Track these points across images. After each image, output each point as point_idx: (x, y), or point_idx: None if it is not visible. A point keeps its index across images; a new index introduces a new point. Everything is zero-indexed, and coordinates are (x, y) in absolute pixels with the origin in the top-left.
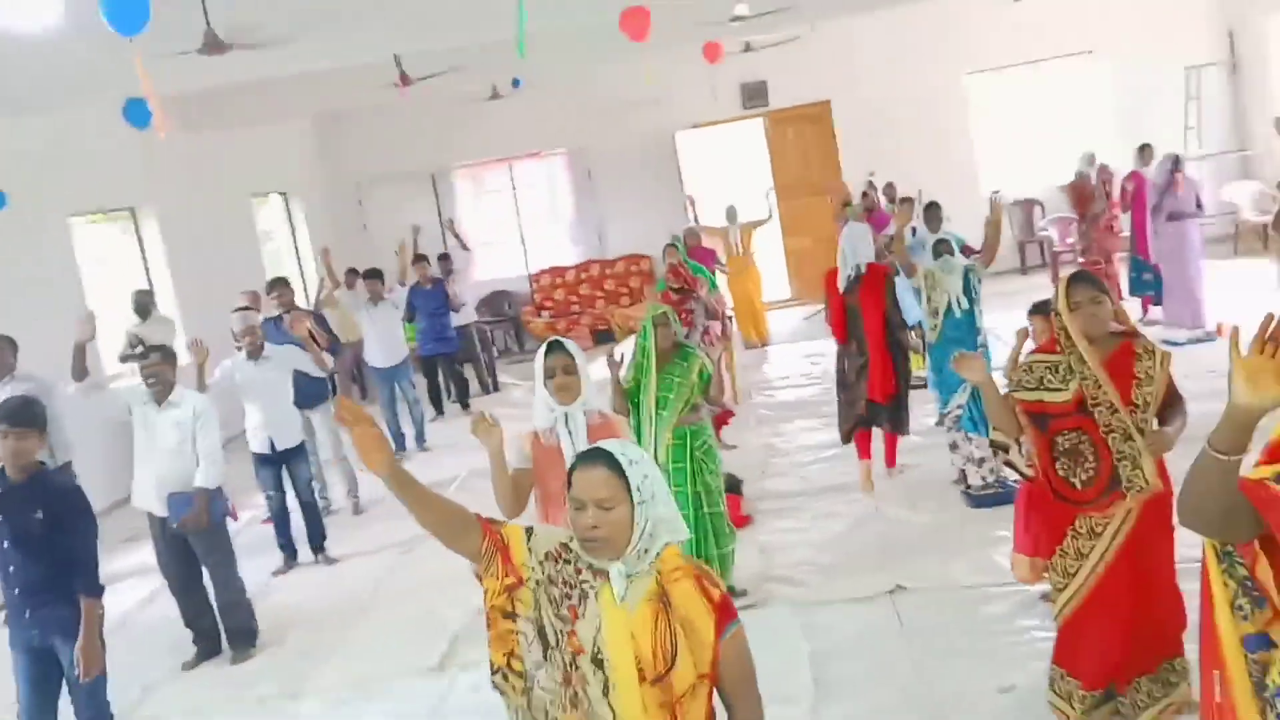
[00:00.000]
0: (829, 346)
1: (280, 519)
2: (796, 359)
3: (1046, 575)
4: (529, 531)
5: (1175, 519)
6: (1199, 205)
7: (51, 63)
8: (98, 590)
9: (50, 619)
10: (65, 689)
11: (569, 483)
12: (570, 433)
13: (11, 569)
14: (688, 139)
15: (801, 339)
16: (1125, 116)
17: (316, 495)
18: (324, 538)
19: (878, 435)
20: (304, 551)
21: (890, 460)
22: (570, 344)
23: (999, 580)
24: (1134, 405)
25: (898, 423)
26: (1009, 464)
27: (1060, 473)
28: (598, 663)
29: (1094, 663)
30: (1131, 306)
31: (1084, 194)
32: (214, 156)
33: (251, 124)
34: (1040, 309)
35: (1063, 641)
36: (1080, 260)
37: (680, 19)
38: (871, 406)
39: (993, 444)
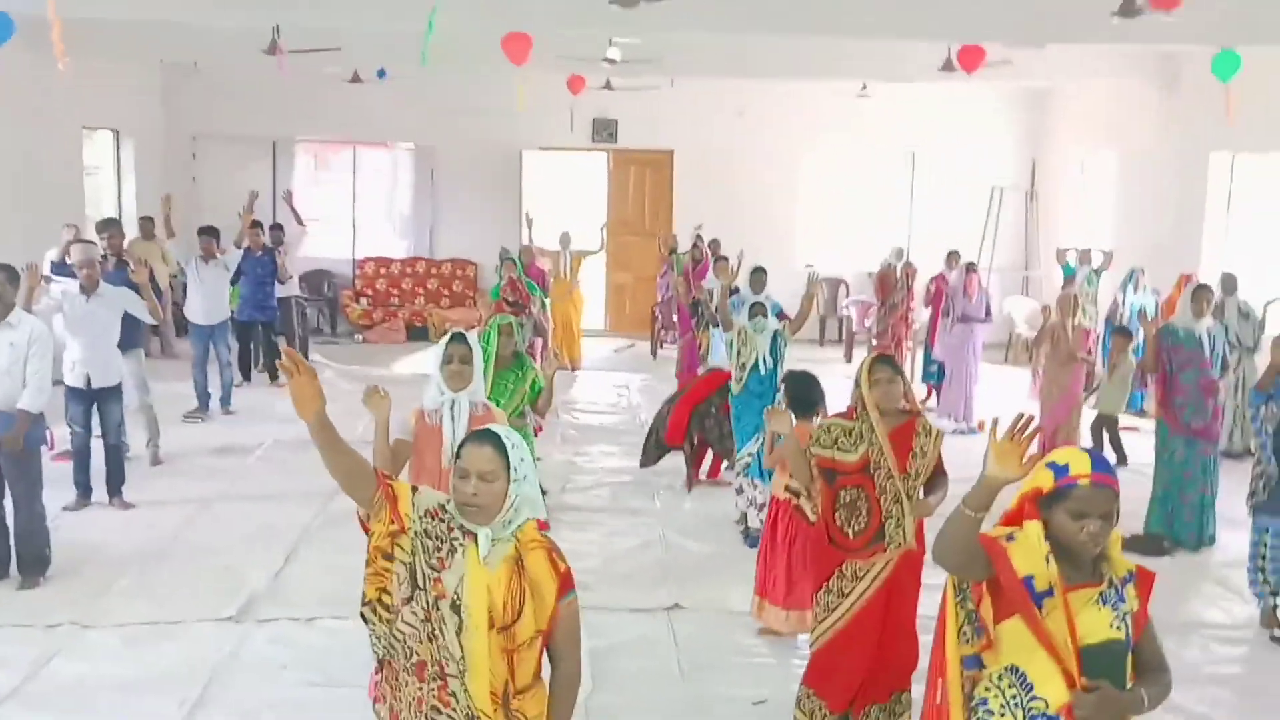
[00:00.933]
0: (634, 380)
1: (81, 456)
2: (604, 387)
3: (762, 616)
4: (414, 490)
5: (923, 574)
6: (988, 312)
7: None
8: None
9: None
10: None
11: (457, 455)
12: (454, 417)
13: None
14: (534, 159)
15: (610, 369)
16: (933, 220)
17: (123, 440)
18: (123, 482)
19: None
20: (98, 493)
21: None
22: (471, 338)
23: None
24: (907, 473)
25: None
26: (798, 508)
27: (838, 522)
28: (455, 608)
29: (839, 687)
30: (916, 392)
31: (888, 283)
32: (49, 82)
33: (96, 56)
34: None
35: (814, 666)
36: (874, 342)
37: (555, 48)
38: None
39: (788, 488)
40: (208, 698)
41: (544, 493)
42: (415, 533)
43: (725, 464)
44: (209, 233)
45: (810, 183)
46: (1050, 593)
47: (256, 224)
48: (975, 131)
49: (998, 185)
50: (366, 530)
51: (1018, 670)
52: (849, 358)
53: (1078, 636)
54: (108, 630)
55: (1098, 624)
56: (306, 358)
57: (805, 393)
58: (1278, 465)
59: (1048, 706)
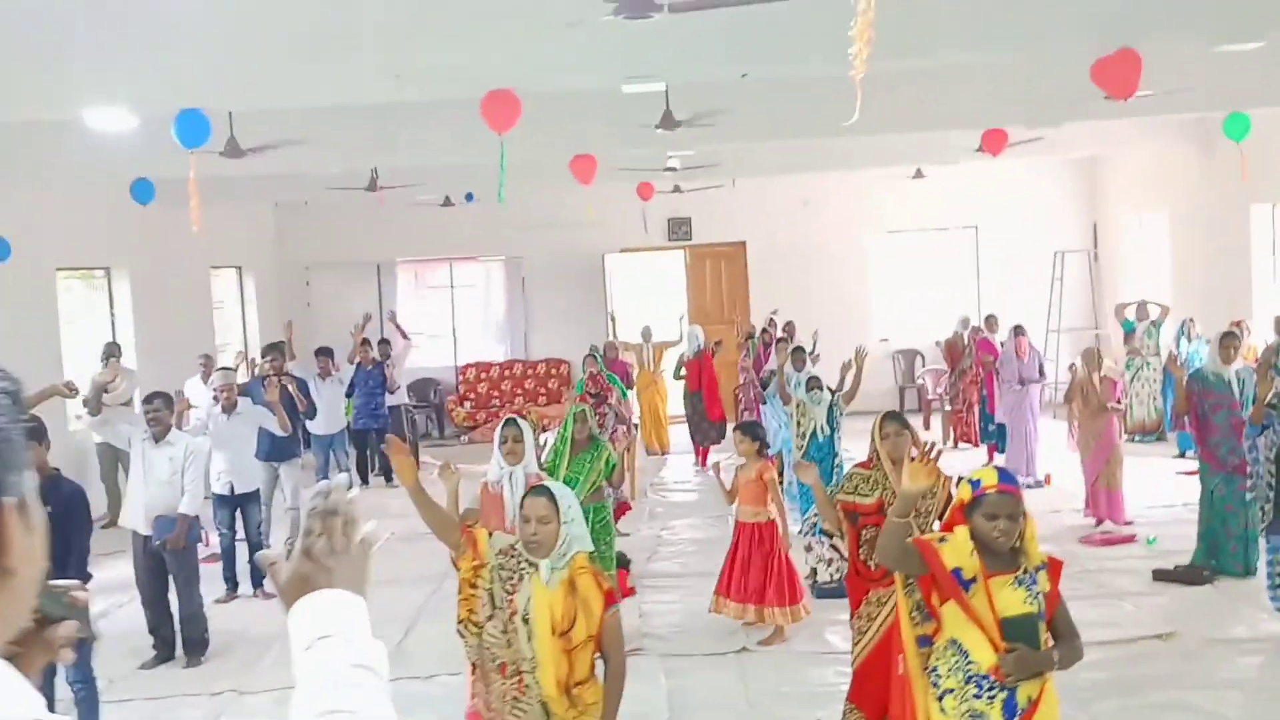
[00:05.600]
0: (719, 459)
1: (228, 554)
2: (690, 469)
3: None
4: (490, 534)
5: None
6: (1041, 372)
7: (80, 145)
8: (84, 575)
9: None
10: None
11: (521, 504)
12: (512, 486)
13: None
14: (615, 261)
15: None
16: (1000, 287)
17: (262, 538)
18: (265, 575)
19: None
20: (243, 586)
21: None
22: (523, 422)
23: (826, 650)
24: (918, 513)
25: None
26: (834, 547)
27: (862, 556)
28: (525, 620)
29: (873, 699)
30: (981, 453)
31: (955, 351)
32: (182, 228)
33: (219, 202)
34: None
35: (855, 683)
36: (947, 408)
37: (621, 161)
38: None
39: (823, 531)
40: None
41: (629, 561)
42: (492, 566)
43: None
44: (324, 353)
45: (879, 262)
46: (975, 580)
47: (365, 341)
48: (1034, 200)
49: (1060, 250)
50: (457, 566)
51: (957, 642)
52: (927, 425)
53: (997, 611)
54: (261, 695)
55: (1013, 601)
56: (417, 460)
57: (753, 435)
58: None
59: (980, 668)
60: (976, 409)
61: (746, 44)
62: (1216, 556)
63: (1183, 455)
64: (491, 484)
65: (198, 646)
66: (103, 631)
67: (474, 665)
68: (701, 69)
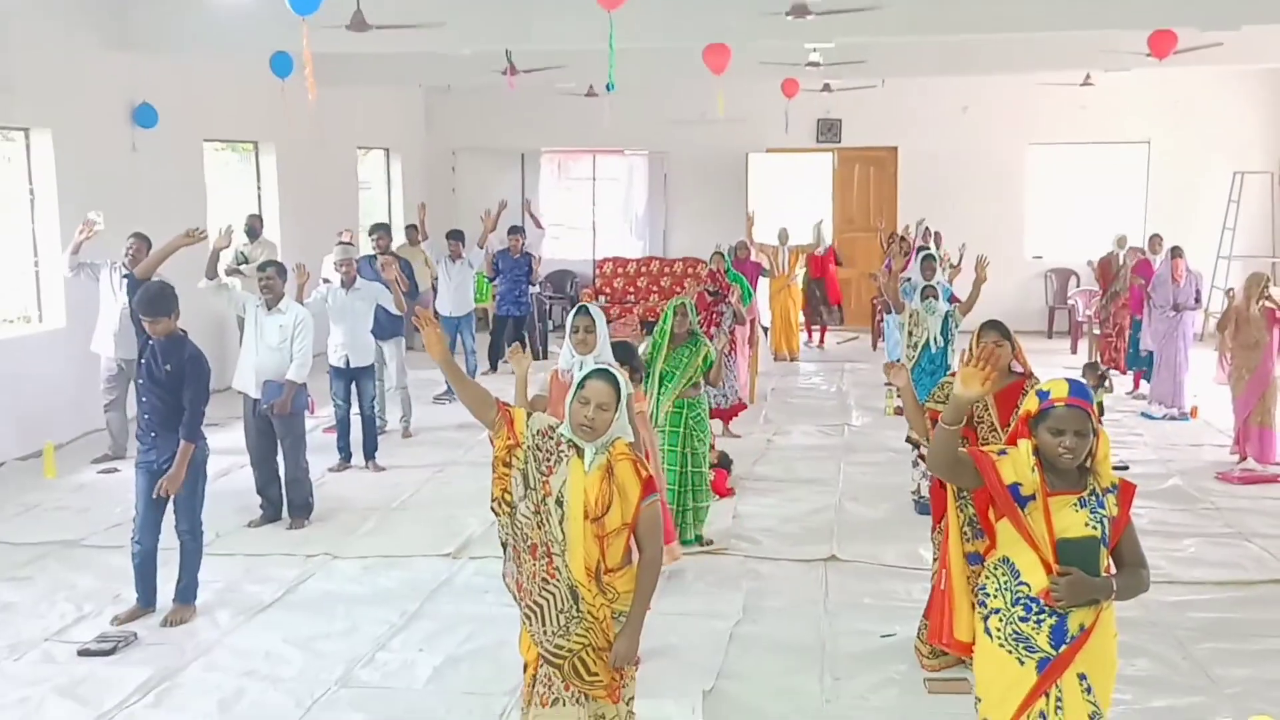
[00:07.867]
0: (850, 369)
1: (342, 425)
2: (819, 376)
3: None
4: (529, 414)
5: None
6: (1197, 298)
7: (219, 16)
8: (193, 436)
9: (165, 448)
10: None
11: (581, 385)
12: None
13: (145, 401)
14: (760, 161)
15: (829, 360)
16: (1170, 207)
17: (376, 413)
18: (376, 449)
19: None
20: (356, 457)
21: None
22: (595, 309)
23: (916, 564)
24: (1007, 427)
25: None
26: (921, 457)
27: None
28: (559, 503)
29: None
30: (1126, 380)
31: (1109, 272)
32: (331, 108)
33: (367, 84)
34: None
35: (930, 599)
36: (1096, 332)
37: (761, 55)
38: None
39: (909, 439)
40: (422, 612)
41: (730, 462)
42: (528, 446)
43: None
44: (455, 235)
45: (1039, 174)
46: (1034, 497)
47: (517, 229)
48: (1214, 116)
49: (1240, 170)
50: (493, 445)
51: (1009, 561)
52: (1074, 349)
53: (1054, 532)
54: (351, 561)
55: (1074, 523)
56: (545, 350)
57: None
58: None
59: (1030, 590)
60: (1128, 334)
61: None
62: None
63: None
64: (561, 372)
65: (302, 510)
66: None
67: (504, 545)
68: None
